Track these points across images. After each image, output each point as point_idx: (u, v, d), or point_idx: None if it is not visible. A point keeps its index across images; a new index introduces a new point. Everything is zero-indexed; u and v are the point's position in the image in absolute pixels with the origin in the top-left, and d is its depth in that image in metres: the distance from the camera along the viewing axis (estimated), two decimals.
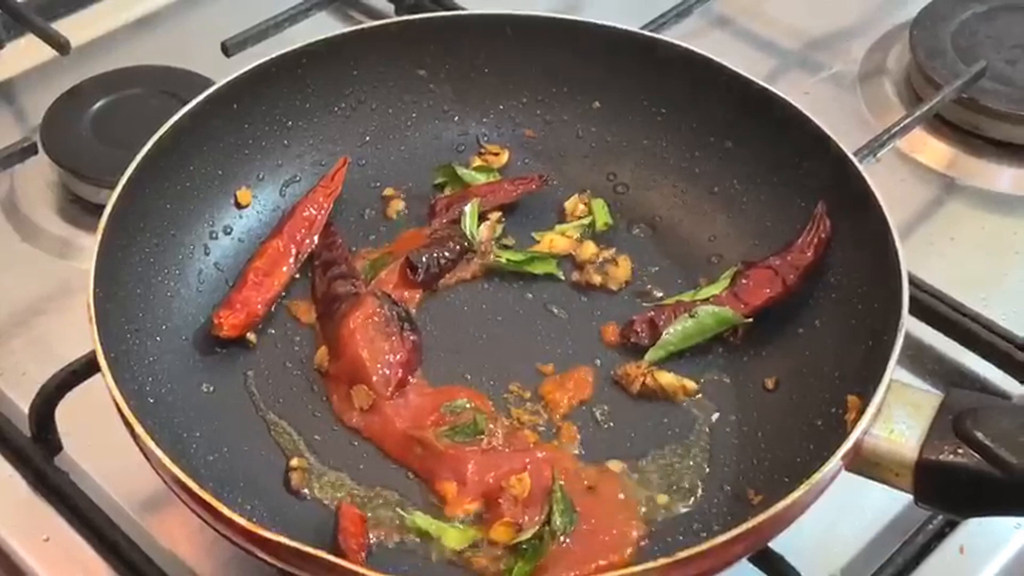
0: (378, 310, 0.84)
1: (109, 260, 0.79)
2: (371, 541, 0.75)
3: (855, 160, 0.85)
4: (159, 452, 0.69)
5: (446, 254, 0.90)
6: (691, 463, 0.79)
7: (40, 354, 0.92)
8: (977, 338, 0.91)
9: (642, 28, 1.06)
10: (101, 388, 0.74)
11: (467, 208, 0.91)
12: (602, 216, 0.93)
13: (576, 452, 0.80)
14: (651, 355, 0.84)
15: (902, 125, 1.02)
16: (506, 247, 0.92)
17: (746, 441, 0.80)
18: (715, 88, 0.92)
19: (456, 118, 0.98)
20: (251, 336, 0.85)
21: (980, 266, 1.01)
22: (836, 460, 0.69)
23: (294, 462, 0.79)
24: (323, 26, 1.17)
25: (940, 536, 0.82)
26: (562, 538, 0.74)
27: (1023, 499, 0.68)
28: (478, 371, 0.85)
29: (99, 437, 0.84)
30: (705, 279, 0.89)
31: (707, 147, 0.94)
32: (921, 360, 0.93)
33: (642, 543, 0.75)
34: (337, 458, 0.80)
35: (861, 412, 0.71)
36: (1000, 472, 0.67)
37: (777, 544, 0.73)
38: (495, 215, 0.93)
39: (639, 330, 0.85)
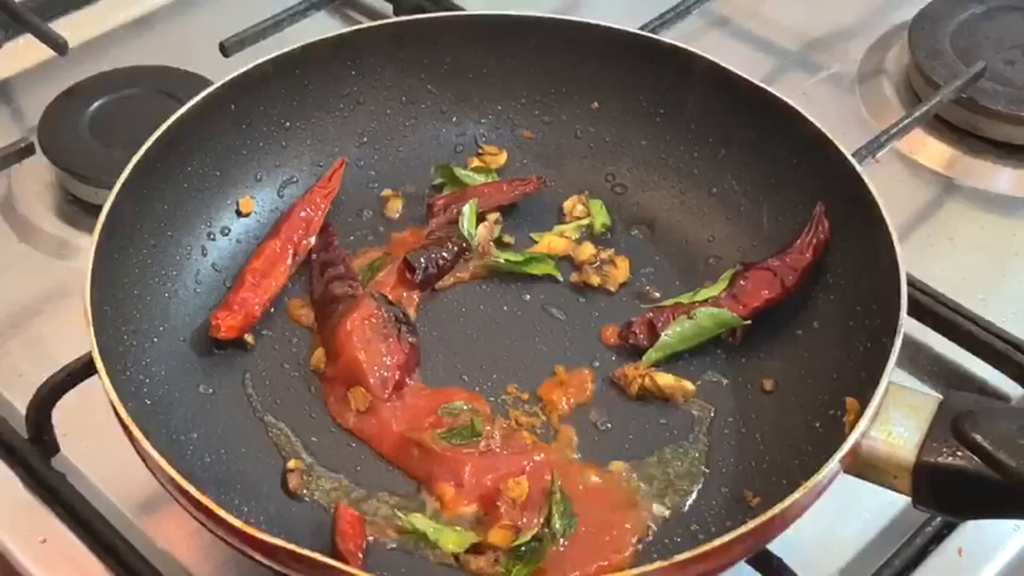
0: (375, 312, 0.84)
1: (106, 261, 0.79)
2: (369, 543, 0.75)
3: (854, 161, 0.85)
4: (155, 454, 0.69)
5: (444, 255, 0.90)
6: (689, 465, 0.79)
7: (37, 355, 0.92)
8: (976, 339, 0.91)
9: (641, 28, 1.06)
10: (98, 389, 0.74)
11: (465, 209, 0.91)
12: (600, 217, 0.93)
13: (574, 454, 0.80)
14: (649, 356, 0.84)
15: (901, 126, 1.02)
16: (505, 247, 0.92)
17: (744, 443, 0.80)
18: (714, 89, 0.92)
19: (454, 118, 0.98)
20: (249, 337, 0.85)
21: (979, 267, 1.01)
22: (834, 462, 0.68)
23: (291, 464, 0.79)
24: (321, 26, 1.17)
25: (938, 538, 0.82)
26: (562, 540, 0.74)
27: (1021, 502, 0.68)
28: (476, 372, 0.84)
29: (96, 438, 0.84)
30: (703, 280, 0.89)
31: (706, 148, 0.94)
32: (919, 361, 0.93)
33: (640, 545, 0.75)
34: (335, 460, 0.80)
35: (859, 414, 0.71)
36: (998, 475, 0.67)
37: (775, 546, 0.73)
38: (493, 216, 0.93)
39: (637, 331, 0.85)
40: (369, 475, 0.79)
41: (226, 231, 0.90)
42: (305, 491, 0.78)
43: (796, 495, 0.67)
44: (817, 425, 0.78)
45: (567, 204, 0.94)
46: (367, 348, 0.83)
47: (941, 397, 0.72)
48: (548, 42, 0.96)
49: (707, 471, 0.79)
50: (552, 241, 0.92)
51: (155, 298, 0.84)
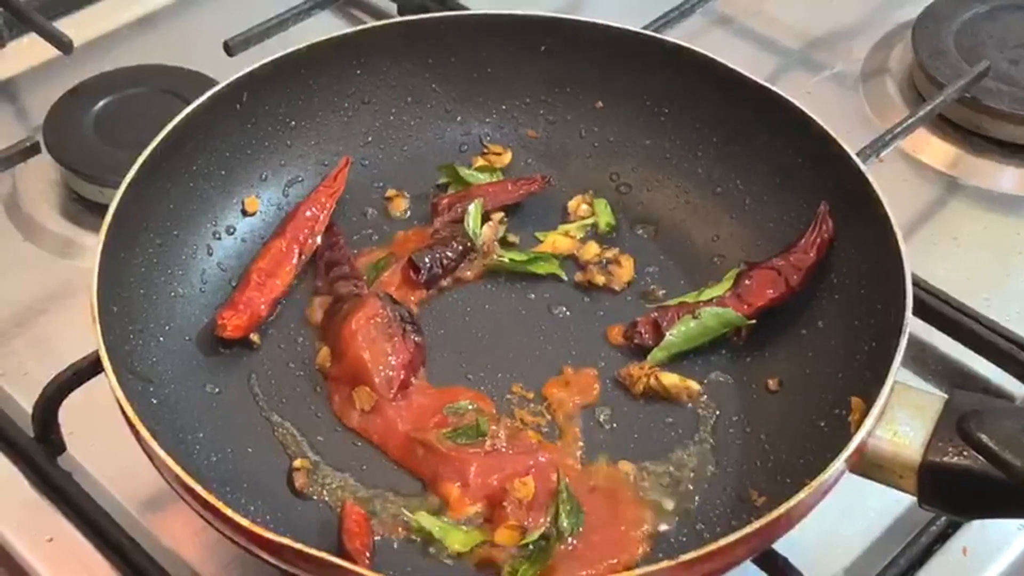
0: (380, 311, 0.84)
1: (112, 260, 0.79)
2: (375, 541, 0.75)
3: (858, 160, 0.85)
4: (162, 453, 0.69)
5: (449, 254, 0.90)
6: (694, 464, 0.79)
7: (42, 354, 0.92)
8: (980, 339, 0.91)
9: (644, 28, 1.06)
10: (104, 388, 0.74)
11: (470, 208, 0.91)
12: (605, 216, 0.93)
13: (579, 453, 0.80)
14: (654, 356, 0.84)
15: (905, 125, 1.02)
16: (510, 246, 0.92)
17: (749, 442, 0.80)
18: (718, 88, 0.92)
19: (459, 118, 0.98)
20: (254, 336, 0.85)
21: (983, 266, 1.01)
22: (840, 462, 0.68)
23: (297, 463, 0.79)
24: (326, 25, 1.17)
25: (943, 538, 0.82)
26: (569, 539, 0.74)
27: None
28: (481, 372, 0.85)
29: (102, 437, 0.84)
30: (708, 280, 0.89)
31: (710, 147, 0.94)
32: (924, 361, 0.93)
33: (646, 545, 0.75)
34: (341, 459, 0.80)
35: (865, 414, 0.71)
36: (1004, 474, 0.67)
37: (781, 545, 0.73)
38: (498, 215, 0.93)
39: (642, 331, 0.85)
40: (375, 474, 0.79)
41: (231, 230, 0.90)
42: (311, 490, 0.78)
43: (801, 495, 0.68)
44: (822, 424, 0.78)
45: (571, 203, 0.95)
46: (372, 347, 0.83)
47: (946, 396, 0.72)
48: (552, 42, 0.96)
49: (712, 471, 0.79)
50: (557, 240, 0.92)
51: (161, 297, 0.84)
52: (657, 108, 0.95)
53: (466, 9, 1.10)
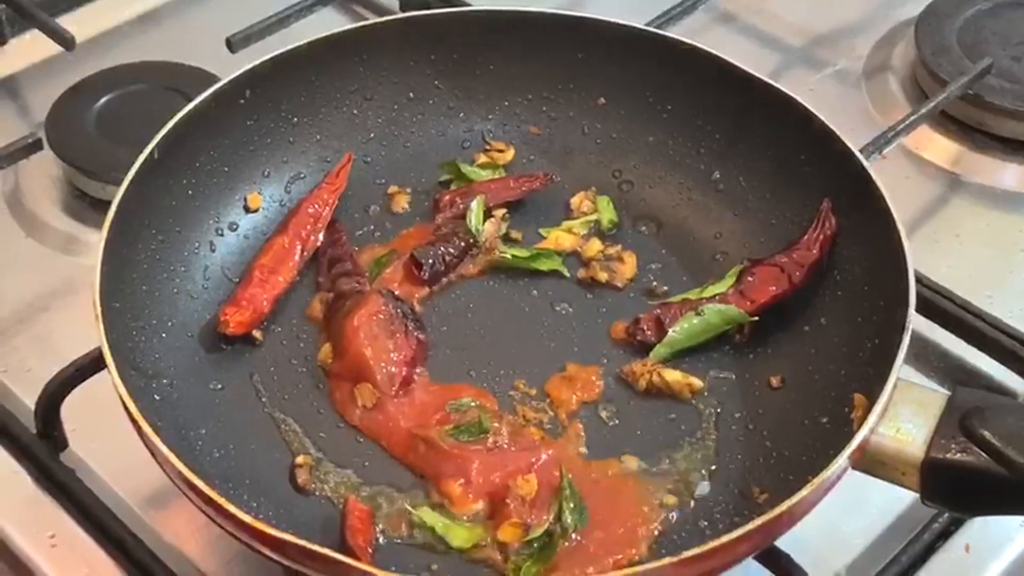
0: (382, 308, 0.84)
1: (115, 257, 0.79)
2: (378, 538, 0.75)
3: (861, 157, 0.85)
4: (165, 449, 0.69)
5: (451, 251, 0.90)
6: (697, 461, 0.79)
7: (44, 350, 0.92)
8: (983, 336, 0.91)
9: (647, 24, 1.05)
10: (106, 384, 0.74)
11: (472, 204, 0.91)
12: (608, 213, 0.93)
13: (582, 450, 0.80)
14: (657, 353, 0.84)
15: (908, 122, 1.02)
16: (512, 243, 0.92)
17: (752, 439, 0.80)
18: (721, 85, 0.92)
19: (461, 115, 0.98)
20: (257, 333, 0.85)
21: (986, 263, 1.01)
22: (843, 458, 0.68)
23: (300, 459, 0.79)
24: (328, 22, 1.17)
25: (946, 534, 0.82)
26: (573, 535, 0.74)
27: None
28: (483, 368, 0.85)
29: (104, 433, 0.84)
30: (711, 276, 0.89)
31: (712, 144, 0.94)
32: (926, 357, 0.93)
33: (649, 541, 0.75)
34: (343, 455, 0.80)
35: (867, 410, 0.71)
36: (1007, 471, 0.67)
37: (783, 542, 0.73)
38: (500, 212, 0.93)
39: (645, 328, 0.85)
40: (378, 470, 0.79)
41: (234, 227, 0.90)
42: (314, 486, 0.78)
43: (804, 491, 0.68)
44: (824, 421, 0.78)
45: (574, 200, 0.94)
46: (374, 344, 0.83)
47: (949, 393, 0.72)
48: (555, 38, 0.96)
49: (715, 467, 0.79)
50: (559, 237, 0.92)
51: (163, 294, 0.84)
52: (660, 105, 0.95)
53: (468, 5, 1.10)
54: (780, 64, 1.18)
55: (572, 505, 0.75)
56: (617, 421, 0.82)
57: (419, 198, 0.95)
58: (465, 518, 0.76)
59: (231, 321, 0.84)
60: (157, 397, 0.78)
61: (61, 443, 0.85)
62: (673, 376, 0.83)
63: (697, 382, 0.83)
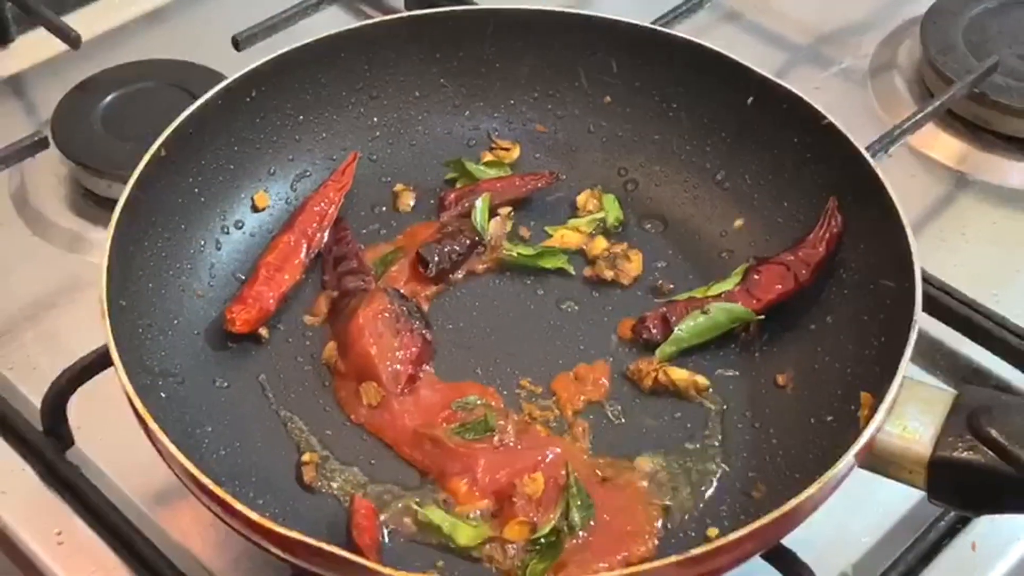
0: (388, 306, 0.84)
1: (121, 255, 0.79)
2: (384, 536, 0.75)
3: (868, 156, 0.85)
4: (172, 447, 0.69)
5: (457, 248, 0.90)
6: (703, 459, 0.79)
7: (50, 348, 0.92)
8: (989, 334, 0.91)
9: (653, 23, 1.05)
10: (111, 382, 0.74)
11: (478, 202, 0.91)
12: (614, 211, 0.93)
13: (588, 448, 0.80)
14: (663, 351, 0.84)
15: (914, 121, 1.02)
16: (521, 240, 0.92)
17: (758, 437, 0.80)
18: (727, 83, 0.92)
19: (467, 113, 0.98)
20: (263, 331, 0.85)
21: (992, 262, 1.01)
22: (849, 457, 0.68)
23: (306, 457, 0.79)
24: (334, 20, 1.17)
25: (952, 533, 0.82)
26: (581, 533, 0.74)
27: None
28: (489, 367, 0.85)
29: (110, 431, 0.84)
30: (717, 274, 0.88)
31: (718, 142, 0.94)
32: (932, 356, 0.93)
33: (656, 539, 0.75)
34: (349, 453, 0.80)
35: (874, 409, 0.71)
36: (1014, 469, 0.67)
37: (789, 540, 0.73)
38: (505, 210, 0.93)
39: (651, 326, 0.85)
40: (384, 468, 0.79)
41: (240, 225, 0.90)
42: (320, 484, 0.78)
43: (811, 490, 0.67)
44: (831, 420, 0.78)
45: (580, 198, 0.94)
46: (379, 342, 0.83)
47: (956, 392, 0.72)
48: (561, 36, 0.96)
49: (721, 466, 0.79)
50: (565, 235, 0.92)
51: (169, 291, 0.84)
52: (666, 103, 0.95)
53: (474, 3, 1.10)
54: (786, 62, 1.18)
55: (579, 503, 0.75)
56: (623, 419, 0.82)
57: (425, 196, 0.95)
58: (471, 516, 0.76)
59: (237, 319, 0.84)
60: (163, 395, 0.78)
61: (67, 441, 0.85)
62: (679, 374, 0.83)
63: (703, 380, 0.83)
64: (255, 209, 0.91)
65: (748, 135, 0.92)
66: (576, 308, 0.88)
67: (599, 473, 0.78)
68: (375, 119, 0.97)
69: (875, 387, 0.74)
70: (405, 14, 0.99)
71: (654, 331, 0.85)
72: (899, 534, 0.82)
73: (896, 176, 0.84)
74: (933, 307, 0.91)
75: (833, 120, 0.87)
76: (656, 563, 0.65)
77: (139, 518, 0.82)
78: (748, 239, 0.90)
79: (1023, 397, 0.90)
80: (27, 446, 0.85)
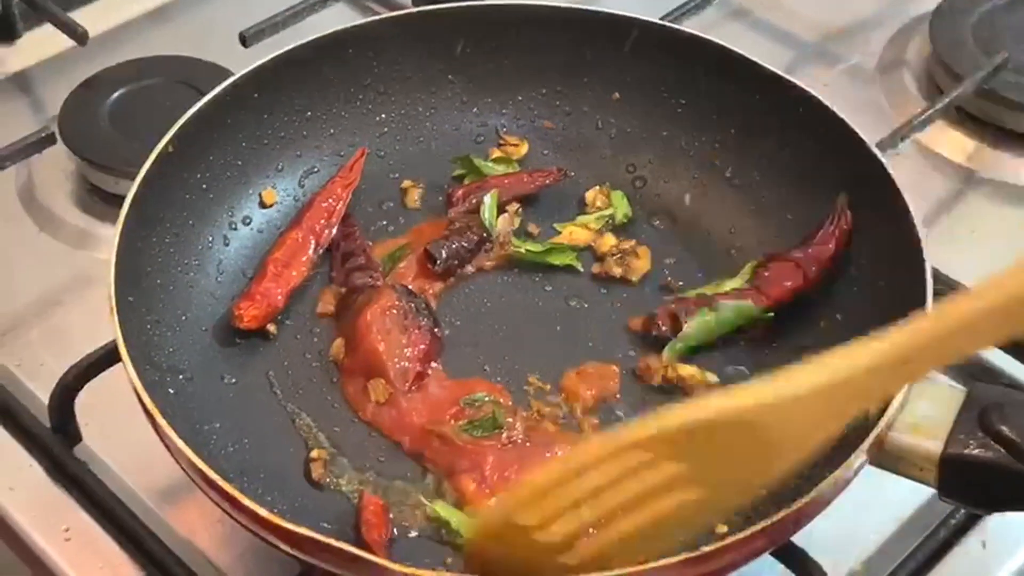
0: (396, 302, 0.84)
1: (129, 251, 0.79)
2: (393, 532, 0.75)
3: (878, 152, 0.84)
4: (181, 444, 0.69)
5: (464, 244, 0.89)
6: None
7: (57, 344, 0.92)
8: None
9: (661, 19, 1.05)
10: (118, 379, 0.74)
11: (486, 198, 0.91)
12: (622, 208, 0.93)
13: None
14: (672, 348, 0.84)
15: (923, 117, 1.02)
16: (529, 236, 0.92)
17: None
18: (735, 79, 0.92)
19: (475, 109, 0.98)
20: (271, 327, 0.85)
21: (1001, 259, 0.98)
22: (861, 454, 0.68)
23: (315, 453, 0.79)
24: (340, 16, 1.17)
25: (962, 531, 0.81)
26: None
27: None
28: (498, 364, 0.84)
29: (117, 427, 0.84)
30: (726, 271, 0.88)
31: (727, 139, 0.94)
32: None
33: None
34: (358, 449, 0.80)
35: (885, 406, 0.70)
36: None
37: (798, 538, 0.73)
38: (513, 207, 0.93)
39: (660, 323, 0.84)
40: (393, 464, 0.79)
41: (248, 221, 0.90)
42: (328, 480, 0.78)
43: (822, 487, 0.67)
44: None
45: (589, 195, 0.94)
46: (387, 339, 0.83)
47: (967, 389, 0.72)
48: (569, 32, 0.96)
49: None
50: (574, 232, 0.92)
51: (177, 288, 0.84)
52: (674, 99, 0.95)
53: None
54: (794, 59, 1.18)
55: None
56: (632, 416, 0.82)
57: (432, 193, 0.95)
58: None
59: (245, 315, 0.84)
60: (171, 391, 0.78)
61: (75, 437, 0.85)
62: (688, 371, 0.82)
63: (712, 377, 0.82)
64: (263, 205, 0.91)
65: (757, 132, 0.92)
66: (585, 305, 0.88)
67: None
68: (383, 115, 0.97)
69: None
70: (412, 10, 0.99)
71: (663, 328, 0.84)
72: (909, 532, 0.82)
73: (904, 173, 0.83)
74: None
75: (844, 117, 0.86)
76: (666, 560, 0.65)
77: (146, 514, 0.82)
78: (757, 236, 0.90)
79: None
80: (35, 442, 0.85)
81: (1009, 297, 0.59)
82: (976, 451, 0.68)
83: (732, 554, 0.67)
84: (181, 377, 0.80)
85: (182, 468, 0.71)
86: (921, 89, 1.13)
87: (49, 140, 1.01)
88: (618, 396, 0.83)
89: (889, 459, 0.71)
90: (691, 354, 0.84)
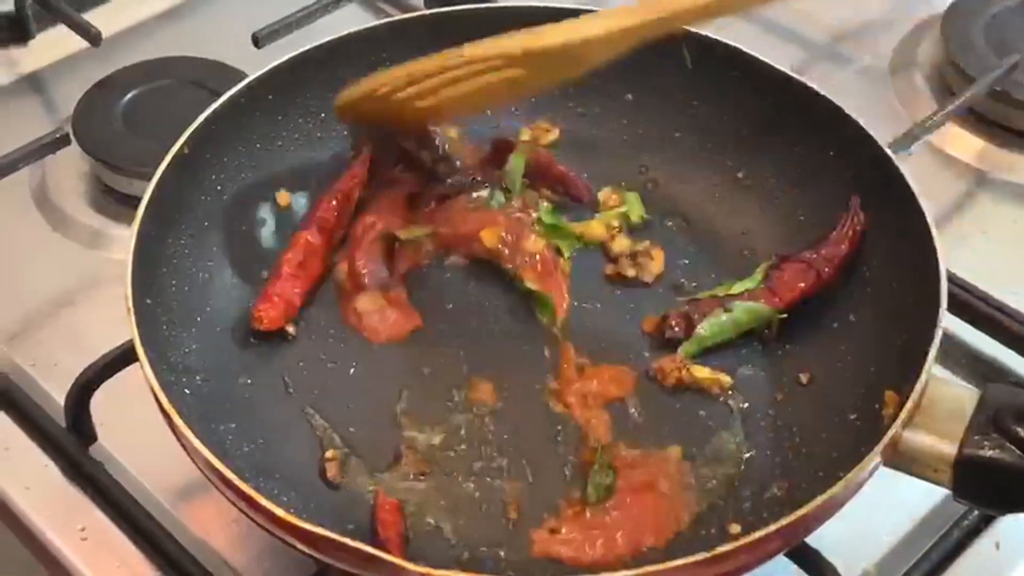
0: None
1: (145, 252, 0.79)
2: (408, 531, 0.75)
3: (891, 153, 0.84)
4: (198, 444, 0.69)
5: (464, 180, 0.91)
6: (726, 458, 0.79)
7: (72, 345, 0.93)
8: (1010, 333, 0.91)
9: None
10: (133, 379, 0.74)
11: (513, 156, 0.91)
12: (637, 209, 0.93)
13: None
14: (686, 349, 0.84)
15: (934, 119, 1.02)
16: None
17: (781, 436, 0.80)
18: (748, 80, 0.92)
19: (488, 111, 0.98)
20: (291, 328, 0.85)
21: (1012, 260, 1.01)
22: (875, 455, 0.68)
23: (329, 453, 0.79)
24: (353, 17, 1.17)
25: (976, 532, 0.81)
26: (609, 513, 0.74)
27: None
28: (514, 363, 0.84)
29: (132, 427, 0.84)
30: (739, 272, 0.88)
31: (739, 140, 0.94)
32: (952, 354, 0.93)
33: (677, 537, 0.75)
34: (373, 449, 0.80)
35: (899, 407, 0.71)
36: None
37: (812, 539, 0.73)
38: (546, 192, 0.93)
39: (674, 324, 0.85)
40: (408, 463, 0.79)
41: (262, 222, 0.91)
42: (343, 480, 0.78)
43: (836, 488, 0.67)
44: (854, 418, 0.78)
45: (602, 196, 0.94)
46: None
47: (981, 390, 0.72)
48: None
49: (744, 464, 0.79)
50: (592, 227, 0.92)
51: (192, 288, 0.84)
52: (687, 101, 0.95)
53: (494, 1, 1.10)
54: (805, 60, 1.18)
55: (599, 478, 0.76)
56: (645, 417, 0.82)
57: None
58: None
59: (264, 317, 0.84)
60: (187, 391, 0.78)
61: (90, 437, 0.86)
62: (702, 372, 0.82)
63: (726, 378, 0.83)
64: (277, 207, 0.91)
65: (770, 133, 0.92)
66: (598, 306, 0.88)
67: (625, 458, 0.78)
68: None
69: (899, 385, 0.73)
70: (425, 12, 0.99)
71: (677, 329, 0.84)
72: (922, 533, 0.82)
73: (916, 174, 0.83)
74: (953, 305, 0.90)
75: (856, 118, 0.86)
76: (681, 560, 0.65)
77: (162, 514, 0.82)
78: (770, 237, 0.90)
79: None
80: (50, 442, 0.86)
81: None
82: (991, 452, 0.68)
83: (747, 555, 0.67)
84: (196, 377, 0.80)
85: (199, 468, 0.71)
86: (933, 90, 1.13)
87: (63, 141, 1.01)
88: (632, 397, 0.83)
89: (903, 460, 0.71)
90: (705, 355, 0.84)
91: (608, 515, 0.75)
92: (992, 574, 0.80)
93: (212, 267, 0.86)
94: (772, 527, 0.66)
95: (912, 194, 0.81)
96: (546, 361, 0.85)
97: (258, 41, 1.09)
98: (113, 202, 1.02)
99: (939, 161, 1.08)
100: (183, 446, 0.72)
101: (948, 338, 0.93)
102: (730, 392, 0.83)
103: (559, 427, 0.81)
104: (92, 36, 1.09)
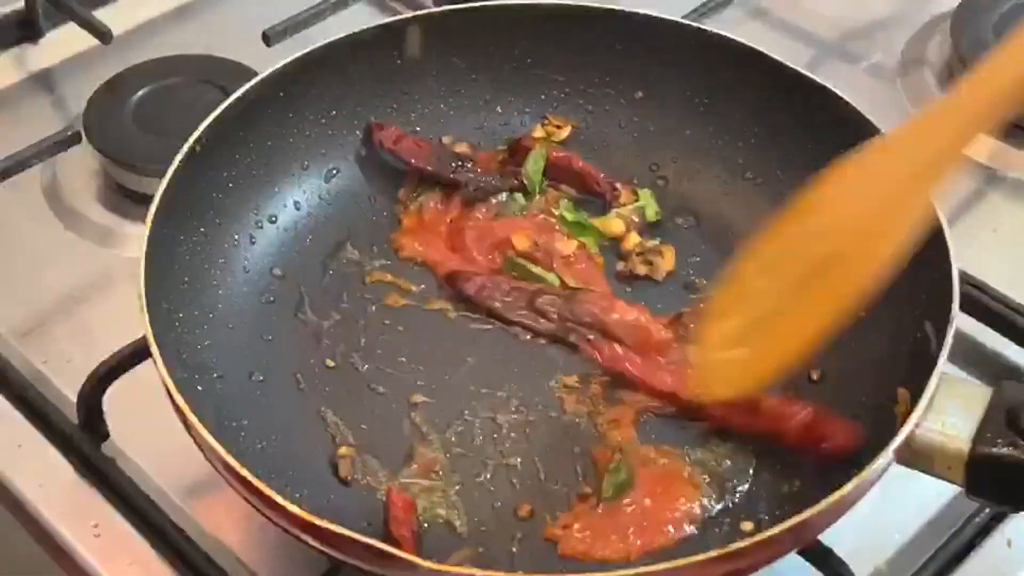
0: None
1: (158, 249, 0.79)
2: (420, 527, 0.75)
3: None
4: (212, 441, 0.69)
5: (491, 180, 0.92)
6: (738, 455, 0.79)
7: (84, 342, 0.93)
8: (1021, 330, 0.91)
9: (684, 17, 1.05)
10: (144, 376, 0.74)
11: (533, 154, 0.92)
12: (651, 206, 0.93)
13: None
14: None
15: None
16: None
17: None
18: (759, 78, 0.92)
19: (498, 108, 0.98)
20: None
21: (1023, 258, 1.00)
22: (889, 453, 0.68)
23: (342, 450, 0.79)
24: (363, 15, 1.17)
25: (987, 530, 0.81)
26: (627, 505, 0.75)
27: None
28: (526, 362, 0.85)
29: (144, 424, 0.84)
30: None
31: (750, 137, 0.94)
32: (963, 352, 0.92)
33: (689, 534, 0.75)
34: (385, 445, 0.80)
35: (911, 405, 0.71)
36: None
37: (823, 536, 0.73)
38: (567, 189, 0.93)
39: (687, 322, 0.85)
40: (421, 461, 0.79)
41: (274, 219, 0.91)
42: (356, 477, 0.78)
43: (849, 486, 0.67)
44: (865, 416, 0.78)
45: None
46: None
47: (993, 388, 0.72)
48: (592, 31, 0.96)
49: (756, 462, 0.79)
50: (610, 223, 0.92)
51: (205, 286, 0.85)
52: (697, 98, 0.95)
53: None
54: (814, 58, 1.18)
55: (617, 477, 0.76)
56: (655, 413, 0.82)
57: None
58: None
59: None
60: (199, 388, 0.78)
61: (103, 434, 0.86)
62: None
63: None
64: (287, 203, 0.92)
65: (781, 130, 0.92)
66: None
67: (640, 456, 0.79)
68: (406, 114, 0.97)
69: (911, 383, 0.73)
70: (435, 9, 0.99)
71: (691, 327, 0.84)
72: (934, 531, 0.82)
73: None
74: (964, 303, 0.90)
75: (867, 116, 0.86)
76: (695, 557, 0.65)
77: (174, 511, 0.82)
78: None
79: None
80: (63, 440, 0.86)
81: None
82: (1004, 450, 0.68)
83: (759, 552, 0.67)
84: (208, 375, 0.80)
85: (212, 465, 0.72)
86: (942, 88, 1.13)
87: (74, 139, 1.02)
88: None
89: (916, 458, 0.71)
90: None
91: (622, 512, 0.75)
92: (1003, 572, 0.80)
93: (224, 264, 0.87)
94: (784, 525, 0.66)
95: None
96: (559, 359, 0.85)
97: (269, 39, 1.09)
98: (125, 200, 1.02)
99: None
100: (197, 444, 0.72)
101: (958, 335, 0.92)
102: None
103: (571, 425, 0.81)
104: (102, 34, 1.10)
